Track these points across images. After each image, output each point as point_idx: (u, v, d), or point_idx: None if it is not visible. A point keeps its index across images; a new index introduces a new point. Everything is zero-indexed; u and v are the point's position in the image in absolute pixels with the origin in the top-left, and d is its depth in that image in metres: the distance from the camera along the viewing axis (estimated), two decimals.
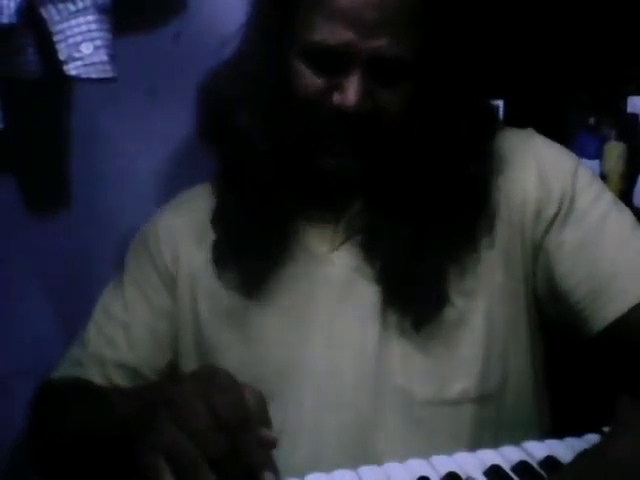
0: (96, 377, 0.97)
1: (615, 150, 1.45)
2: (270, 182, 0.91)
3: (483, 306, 0.91)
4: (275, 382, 0.90)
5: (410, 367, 0.89)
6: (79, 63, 0.99)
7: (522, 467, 0.71)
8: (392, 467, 0.72)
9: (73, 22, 0.98)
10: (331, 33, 0.84)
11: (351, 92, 0.84)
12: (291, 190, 0.92)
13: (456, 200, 0.89)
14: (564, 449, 0.74)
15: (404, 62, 0.86)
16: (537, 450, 0.74)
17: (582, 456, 0.61)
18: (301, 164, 0.91)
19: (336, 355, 0.91)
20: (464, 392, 0.89)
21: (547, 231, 0.91)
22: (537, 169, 0.92)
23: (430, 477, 0.70)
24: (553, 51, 1.40)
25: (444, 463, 0.73)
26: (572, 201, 0.90)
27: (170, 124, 1.17)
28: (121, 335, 0.98)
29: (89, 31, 0.99)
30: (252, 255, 0.92)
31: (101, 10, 1.00)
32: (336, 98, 0.85)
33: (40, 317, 1.18)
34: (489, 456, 0.74)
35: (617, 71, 1.40)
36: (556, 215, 0.90)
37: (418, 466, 0.72)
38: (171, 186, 1.19)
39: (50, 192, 1.15)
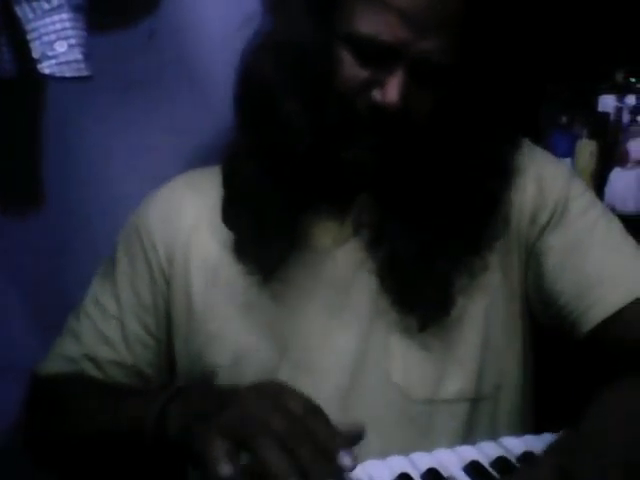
0: (92, 373, 0.97)
1: (587, 148, 1.47)
2: (295, 171, 0.89)
3: (481, 307, 0.92)
4: (260, 377, 0.88)
5: (409, 365, 0.90)
6: (53, 62, 0.98)
7: (501, 462, 0.72)
8: (372, 464, 0.72)
9: (47, 20, 0.97)
10: (385, 28, 0.83)
11: (394, 91, 0.83)
12: (306, 182, 0.90)
13: (468, 208, 0.90)
14: (541, 445, 0.74)
15: (445, 69, 0.86)
16: (515, 446, 0.76)
17: (555, 443, 0.62)
18: (325, 153, 0.89)
19: (332, 351, 0.91)
20: (460, 392, 0.91)
21: (539, 236, 0.93)
22: (535, 177, 0.94)
23: (410, 474, 0.71)
24: (525, 50, 1.41)
25: (424, 460, 0.73)
26: (564, 208, 0.93)
27: (146, 122, 1.16)
28: (117, 333, 0.98)
29: (63, 29, 0.98)
30: (261, 246, 0.91)
31: (75, 8, 0.99)
32: (377, 94, 0.84)
33: (14, 315, 1.17)
34: (468, 452, 0.75)
35: (589, 70, 1.41)
36: (549, 221, 0.93)
37: (398, 463, 0.73)
38: (147, 183, 1.18)
39: (24, 191, 1.15)
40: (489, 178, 0.91)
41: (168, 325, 0.98)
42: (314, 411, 0.70)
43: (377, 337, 0.91)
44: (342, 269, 0.93)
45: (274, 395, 0.71)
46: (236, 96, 0.93)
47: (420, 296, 0.89)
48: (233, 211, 0.94)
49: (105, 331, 0.98)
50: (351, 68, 0.85)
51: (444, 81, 0.87)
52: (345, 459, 0.64)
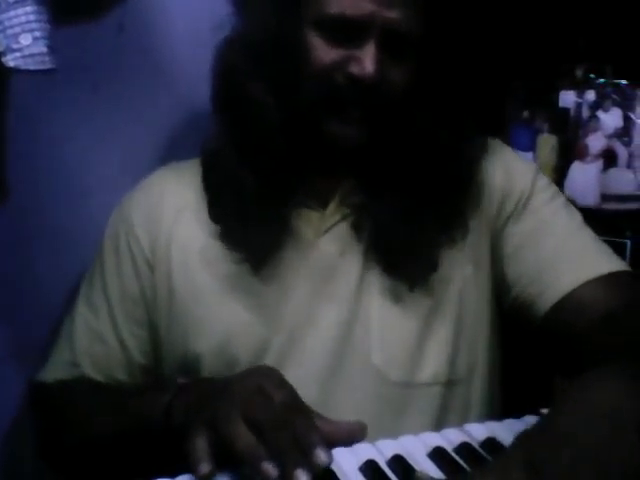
0: (93, 375, 0.99)
1: (548, 142, 1.50)
2: (277, 157, 0.92)
3: (455, 295, 0.95)
4: (245, 364, 0.91)
5: (387, 349, 0.93)
6: (18, 54, 0.97)
7: (464, 448, 0.74)
8: (338, 451, 0.73)
9: (12, 13, 0.96)
10: (351, 4, 0.86)
11: (369, 62, 0.87)
12: (289, 169, 0.93)
13: (446, 175, 0.94)
14: (504, 430, 0.76)
15: (412, 39, 0.89)
16: (478, 432, 0.77)
17: (526, 433, 0.63)
18: (310, 134, 0.92)
19: (317, 335, 0.93)
20: (435, 376, 0.94)
21: (504, 225, 0.98)
22: (504, 170, 0.99)
23: (376, 460, 0.72)
24: (489, 46, 1.43)
25: (389, 446, 0.74)
26: (528, 199, 0.98)
27: (113, 117, 1.16)
28: (108, 329, 1.00)
29: (28, 22, 0.97)
30: (246, 237, 0.93)
31: (40, 1, 0.99)
32: (353, 68, 0.87)
33: None
34: (432, 439, 0.76)
35: (550, 66, 1.44)
36: (513, 211, 0.97)
37: (364, 450, 0.73)
38: (112, 180, 1.18)
39: None
40: (462, 147, 0.95)
41: (156, 312, 0.99)
42: (297, 403, 0.72)
43: (359, 320, 0.93)
44: (326, 257, 0.95)
45: (259, 385, 0.73)
46: (212, 89, 0.95)
47: (408, 257, 0.92)
48: (216, 203, 0.96)
49: (98, 329, 1.00)
50: (324, 51, 0.88)
51: (413, 51, 0.91)
52: (321, 456, 0.66)
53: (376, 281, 0.94)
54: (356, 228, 0.95)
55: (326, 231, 0.95)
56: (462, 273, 0.96)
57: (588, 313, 0.89)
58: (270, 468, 0.65)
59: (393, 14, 0.87)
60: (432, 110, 0.93)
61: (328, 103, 0.89)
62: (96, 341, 1.00)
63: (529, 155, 1.48)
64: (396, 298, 0.93)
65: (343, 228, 0.95)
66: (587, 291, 0.91)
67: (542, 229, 0.96)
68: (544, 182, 1.01)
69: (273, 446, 0.67)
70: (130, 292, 1.00)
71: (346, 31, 0.87)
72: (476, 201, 0.97)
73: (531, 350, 1.05)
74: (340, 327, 0.93)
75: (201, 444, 0.69)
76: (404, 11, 0.87)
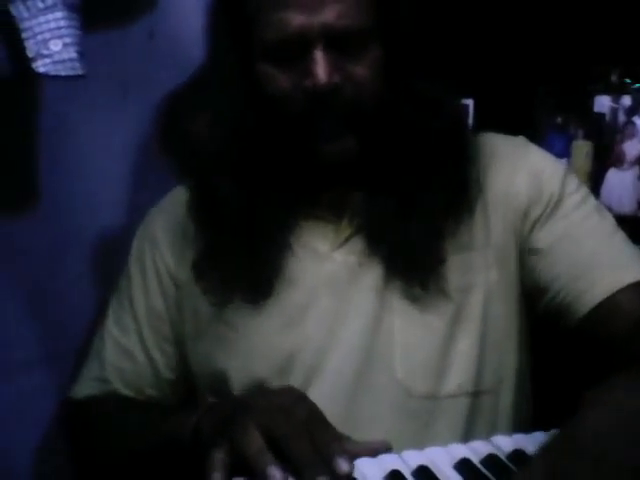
0: (123, 390, 1.01)
1: (582, 149, 1.47)
2: (264, 188, 0.92)
3: (480, 302, 0.93)
4: (273, 382, 0.92)
5: (409, 362, 0.91)
6: (48, 60, 0.98)
7: (491, 460, 0.72)
8: (363, 462, 0.72)
9: (42, 19, 0.97)
10: (282, 25, 0.85)
11: (318, 69, 0.85)
12: (291, 191, 0.94)
13: (440, 156, 0.92)
14: (532, 443, 0.74)
15: (360, 31, 0.87)
16: (505, 444, 0.75)
17: (549, 444, 0.61)
18: (300, 160, 0.91)
19: (339, 351, 0.92)
20: (460, 387, 0.92)
21: (532, 229, 0.94)
22: (531, 171, 0.96)
23: (401, 471, 0.71)
24: (522, 51, 1.42)
25: (415, 457, 0.73)
26: (558, 203, 0.94)
27: (142, 122, 1.17)
28: (137, 346, 1.02)
29: (58, 28, 0.98)
30: (254, 258, 0.93)
31: (70, 7, 0.99)
32: (307, 82, 0.86)
33: (6, 315, 1.17)
34: (459, 450, 0.74)
35: (584, 71, 1.42)
36: (541, 215, 0.94)
37: (389, 460, 0.72)
38: (143, 184, 1.19)
39: (18, 190, 1.14)
40: (450, 134, 0.93)
41: (182, 328, 1.00)
42: (319, 418, 0.72)
43: (382, 334, 0.92)
44: (343, 269, 0.94)
45: (282, 402, 0.73)
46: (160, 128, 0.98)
47: (414, 261, 0.91)
48: (214, 231, 0.95)
49: (126, 346, 1.02)
50: (279, 78, 0.88)
51: (368, 40, 0.88)
52: (343, 465, 0.66)
53: (397, 292, 0.92)
54: (371, 240, 0.93)
55: (342, 244, 0.94)
56: (486, 278, 0.94)
57: (625, 319, 0.87)
58: (276, 473, 0.65)
59: (328, 16, 0.85)
60: (412, 97, 0.91)
61: (302, 126, 0.88)
62: (125, 358, 1.02)
63: (563, 162, 1.46)
64: (418, 308, 0.91)
65: (359, 240, 0.94)
66: (624, 296, 0.88)
67: (574, 233, 0.93)
68: (574, 184, 0.97)
69: (292, 455, 0.66)
70: (156, 309, 1.01)
71: (288, 51, 0.86)
72: (497, 208, 0.94)
73: (563, 358, 1.03)
74: (363, 341, 0.92)
75: (217, 455, 0.69)
76: (337, 8, 0.85)
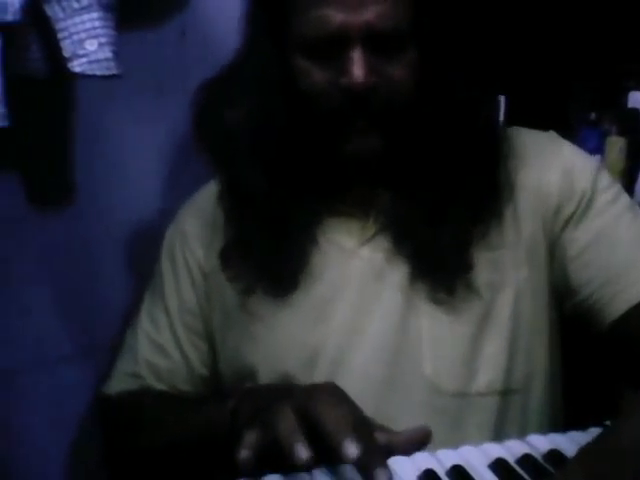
0: (157, 386, 1.01)
1: (616, 145, 1.46)
2: (293, 182, 0.92)
3: (510, 300, 0.92)
4: (299, 376, 0.92)
5: (438, 359, 0.91)
6: (84, 60, 0.99)
7: (526, 460, 0.72)
8: (397, 460, 0.72)
9: (77, 19, 0.98)
10: (322, 22, 0.85)
11: (356, 68, 0.85)
12: (319, 186, 0.93)
13: (473, 159, 0.91)
14: (568, 443, 0.74)
15: (398, 32, 0.87)
16: (541, 444, 0.75)
17: (588, 447, 0.61)
18: (328, 156, 0.91)
19: (367, 348, 0.92)
20: (490, 385, 0.91)
21: (564, 227, 0.93)
22: (562, 168, 0.94)
23: (435, 470, 0.71)
24: (555, 47, 1.41)
25: (449, 456, 0.73)
26: (590, 200, 0.93)
27: (176, 121, 1.17)
28: (170, 342, 1.02)
29: (93, 28, 0.99)
30: (281, 250, 0.93)
31: (105, 7, 1.00)
32: (343, 80, 0.86)
33: (43, 314, 1.18)
34: (494, 450, 0.74)
35: (618, 66, 1.40)
36: (574, 213, 0.93)
37: (423, 459, 0.72)
38: (176, 183, 1.19)
39: (55, 189, 1.16)
40: (483, 135, 0.92)
41: (209, 325, 1.01)
42: (358, 413, 0.72)
43: (409, 331, 0.92)
44: (369, 265, 0.93)
45: (320, 394, 0.73)
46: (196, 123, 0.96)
47: (442, 264, 0.90)
48: (246, 225, 0.96)
49: (159, 342, 1.02)
50: (315, 73, 0.88)
51: (406, 41, 0.88)
52: (381, 476, 0.65)
53: (423, 290, 0.91)
54: (396, 239, 0.93)
55: (368, 240, 0.94)
56: (517, 276, 0.93)
57: None
58: (303, 452, 0.64)
59: (369, 15, 0.85)
60: (448, 98, 0.90)
61: (334, 122, 0.88)
62: (158, 354, 1.02)
63: (596, 158, 1.45)
64: (446, 306, 0.91)
65: (384, 238, 0.94)
66: None
67: (607, 233, 0.92)
68: (606, 181, 0.96)
69: (326, 430, 0.66)
70: (188, 304, 1.01)
71: (327, 48, 0.86)
72: (528, 205, 0.93)
73: (595, 358, 1.02)
74: (390, 338, 0.91)
75: (249, 435, 0.70)
76: (381, 7, 0.85)
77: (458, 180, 0.91)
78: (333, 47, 0.86)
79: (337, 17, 0.85)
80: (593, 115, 1.47)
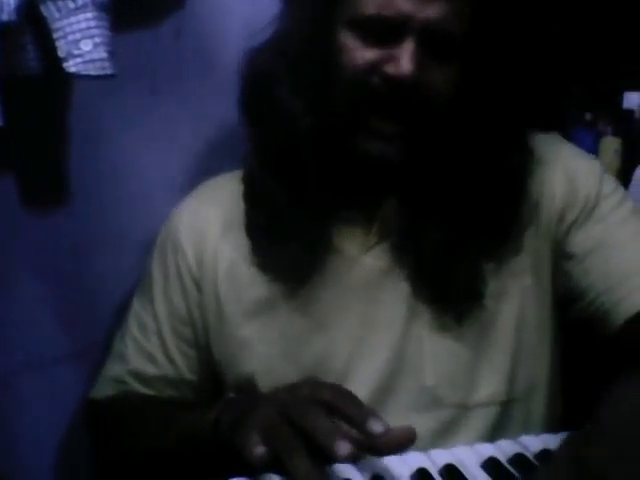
0: (141, 390, 1.00)
1: (611, 145, 1.46)
2: (309, 170, 0.89)
3: (513, 309, 0.91)
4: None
5: (440, 370, 0.90)
6: (79, 60, 0.99)
7: (518, 459, 0.72)
8: (390, 460, 0.72)
9: (73, 19, 0.98)
10: (386, 4, 0.82)
11: (406, 61, 0.82)
12: (327, 185, 0.90)
13: (492, 196, 0.89)
14: (559, 443, 0.74)
15: (455, 38, 0.85)
16: (533, 444, 0.76)
17: (571, 435, 0.62)
18: (344, 148, 0.88)
19: (368, 358, 0.91)
20: (492, 396, 0.90)
21: (567, 232, 0.92)
22: (565, 172, 0.93)
23: (428, 469, 0.71)
24: (550, 47, 1.41)
25: (442, 456, 0.73)
26: (595, 205, 0.92)
27: (171, 121, 1.17)
28: (158, 348, 1.00)
29: (88, 28, 0.99)
30: (286, 252, 0.91)
31: (100, 7, 1.00)
32: (390, 68, 0.83)
33: (40, 314, 1.18)
34: (486, 449, 0.75)
35: (613, 67, 1.40)
36: (577, 218, 0.92)
37: (416, 458, 0.73)
38: (172, 183, 1.19)
39: (49, 189, 1.16)
40: (510, 162, 0.90)
41: (205, 331, 0.99)
42: (345, 394, 0.71)
43: (411, 342, 0.91)
44: (371, 273, 0.92)
45: (306, 393, 0.73)
46: (241, 96, 0.93)
47: (447, 292, 0.89)
48: (252, 219, 0.95)
49: (147, 348, 1.01)
50: (359, 51, 0.84)
51: (457, 52, 0.86)
52: (375, 426, 0.66)
53: (426, 301, 0.91)
54: (400, 249, 0.91)
55: (371, 248, 0.93)
56: (521, 284, 0.92)
57: None
58: (258, 449, 0.65)
59: (433, 12, 0.82)
60: (480, 120, 0.88)
61: (364, 117, 0.85)
62: (146, 360, 1.01)
63: None
64: (448, 316, 0.90)
65: (387, 246, 0.92)
66: None
67: (614, 236, 0.91)
68: (611, 185, 0.95)
69: (309, 432, 0.66)
70: (177, 311, 1.00)
71: (382, 30, 0.83)
72: (533, 209, 0.92)
73: (594, 364, 1.02)
74: (392, 348, 0.91)
75: (252, 437, 0.69)
76: (446, 8, 0.83)
77: (476, 211, 0.89)
78: (388, 31, 0.83)
79: (405, 5, 0.82)
80: (588, 116, 1.47)
